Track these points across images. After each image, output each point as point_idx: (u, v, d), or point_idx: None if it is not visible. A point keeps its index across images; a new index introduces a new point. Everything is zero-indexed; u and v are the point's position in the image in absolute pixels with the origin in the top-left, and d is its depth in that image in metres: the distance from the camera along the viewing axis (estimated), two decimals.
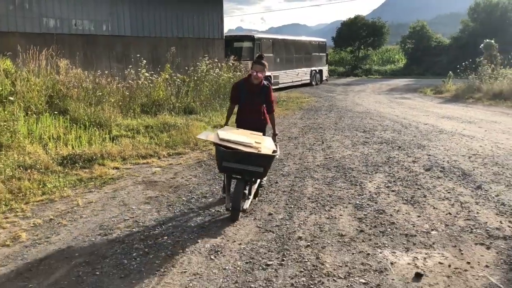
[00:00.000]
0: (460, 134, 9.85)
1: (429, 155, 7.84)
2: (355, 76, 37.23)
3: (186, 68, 15.36)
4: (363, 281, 3.53)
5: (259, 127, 5.67)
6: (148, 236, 4.45)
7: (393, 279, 3.56)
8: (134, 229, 4.65)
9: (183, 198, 5.66)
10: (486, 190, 5.80)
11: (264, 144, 4.98)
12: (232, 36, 22.00)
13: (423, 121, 11.82)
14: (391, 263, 3.83)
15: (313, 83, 27.51)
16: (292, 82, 24.96)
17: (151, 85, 13.14)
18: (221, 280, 3.56)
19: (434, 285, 3.46)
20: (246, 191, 4.95)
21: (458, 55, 30.82)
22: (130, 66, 13.75)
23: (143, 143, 8.72)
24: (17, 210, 5.21)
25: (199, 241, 4.31)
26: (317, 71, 28.22)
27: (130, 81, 12.79)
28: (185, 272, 3.69)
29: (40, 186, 5.98)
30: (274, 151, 5.03)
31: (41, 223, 4.83)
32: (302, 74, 26.25)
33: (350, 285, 3.47)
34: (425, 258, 3.92)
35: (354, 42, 42.10)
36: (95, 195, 5.84)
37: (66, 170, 6.82)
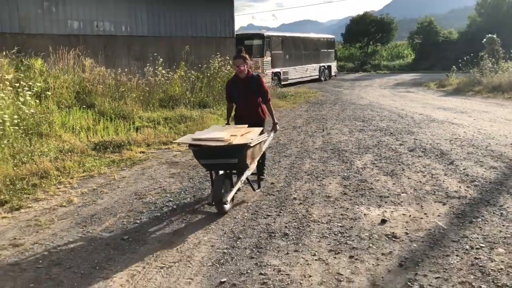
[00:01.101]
0: (449, 122, 10.91)
1: (416, 139, 8.93)
2: (364, 72, 38.22)
3: (200, 65, 16.54)
4: (340, 225, 4.68)
5: (257, 121, 5.82)
6: (174, 198, 5.65)
7: (363, 224, 4.70)
8: (162, 195, 5.84)
9: (201, 173, 6.84)
10: (456, 165, 6.89)
11: (244, 136, 5.13)
12: (243, 35, 23.14)
13: (419, 112, 12.89)
14: (364, 214, 4.97)
15: (322, 78, 28.58)
16: (301, 78, 26.07)
17: (167, 81, 14.36)
18: (232, 224, 4.74)
19: (394, 227, 4.59)
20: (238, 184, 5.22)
21: (465, 50, 31.53)
22: (148, 64, 14.97)
23: (164, 132, 9.92)
24: (65, 183, 6.43)
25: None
26: (326, 67, 29.28)
27: (149, 77, 14.01)
28: (205, 220, 4.87)
29: (80, 166, 7.21)
30: (259, 140, 5.30)
31: (87, 192, 6.05)
32: (311, 70, 27.34)
33: (330, 227, 4.61)
34: (392, 212, 5.05)
35: (363, 38, 43.08)
36: (127, 172, 7.05)
37: (99, 154, 8.05)
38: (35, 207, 5.43)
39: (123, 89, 12.35)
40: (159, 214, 5.11)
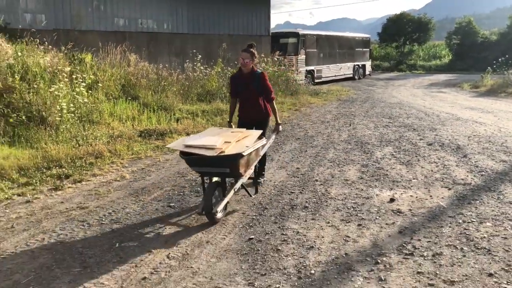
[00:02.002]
0: (473, 121, 11.44)
1: (437, 135, 9.56)
2: (399, 71, 38.38)
3: (236, 62, 17.46)
4: (354, 202, 5.47)
5: (260, 119, 5.85)
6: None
7: (374, 202, 5.47)
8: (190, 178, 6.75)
9: None
10: (469, 158, 7.54)
11: (239, 143, 4.96)
12: (278, 33, 23.96)
13: (445, 111, 13.41)
14: (376, 195, 5.73)
15: (356, 77, 29.10)
16: (335, 76, 26.69)
17: (205, 77, 15.34)
18: (260, 198, 5.60)
19: (400, 205, 5.34)
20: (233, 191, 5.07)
21: (504, 51, 31.44)
22: (187, 60, 16.00)
23: (202, 123, 10.87)
24: (117, 163, 7.43)
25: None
26: (360, 65, 29.78)
27: (189, 73, 15.02)
28: (237, 194, 5.74)
29: (129, 149, 8.20)
30: (261, 148, 5.26)
31: (136, 170, 7.03)
32: (345, 68, 27.92)
33: (344, 203, 5.41)
34: (401, 194, 5.79)
35: (400, 37, 43.14)
36: (170, 156, 8.01)
37: (145, 140, 9.04)
38: (94, 181, 6.44)
39: (165, 83, 13.37)
40: (198, 188, 6.01)
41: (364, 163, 7.33)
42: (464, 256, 3.98)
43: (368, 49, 31.15)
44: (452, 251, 4.08)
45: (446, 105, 15.11)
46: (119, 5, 15.68)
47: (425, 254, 4.02)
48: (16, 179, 6.25)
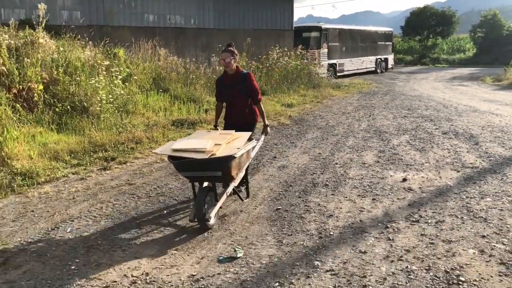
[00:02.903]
0: (490, 112, 11.96)
1: (452, 125, 10.15)
2: (422, 65, 38.59)
3: (260, 56, 18.19)
4: (370, 181, 6.17)
5: (246, 123, 5.56)
6: None
7: (388, 181, 6.16)
8: None
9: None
10: (480, 146, 8.14)
11: (230, 145, 4.81)
12: (300, 27, 24.58)
13: (464, 103, 13.92)
14: (390, 176, 6.42)
15: (378, 70, 29.55)
16: (357, 69, 27.21)
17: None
18: (286, 177, 6.35)
19: (411, 184, 6.02)
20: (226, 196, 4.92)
21: None
22: (213, 54, 16.79)
23: None
24: (155, 148, 8.24)
25: (273, 162, 7.12)
26: (383, 59, 30.20)
27: (216, 66, 15.81)
28: (265, 173, 6.48)
29: (165, 136, 9.02)
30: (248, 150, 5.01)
31: None
32: (367, 62, 28.40)
33: (361, 182, 6.11)
34: (413, 175, 6.46)
35: (423, 31, 43.24)
36: None
37: (178, 129, 9.86)
38: (136, 162, 7.28)
39: (193, 77, 14.19)
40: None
41: (381, 149, 8.01)
42: (463, 223, 4.66)
43: (390, 43, 31.52)
44: (453, 219, 4.76)
45: (465, 97, 15.59)
46: (148, 1, 16.56)
47: (429, 221, 4.72)
48: (68, 161, 7.12)
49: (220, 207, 4.89)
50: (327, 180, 6.21)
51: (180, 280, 3.63)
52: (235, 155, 4.52)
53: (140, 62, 13.60)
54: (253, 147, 5.43)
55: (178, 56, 15.54)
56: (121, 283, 3.60)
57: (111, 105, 10.04)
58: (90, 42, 12.42)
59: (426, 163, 7.07)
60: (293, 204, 5.32)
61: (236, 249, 4.14)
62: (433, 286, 3.46)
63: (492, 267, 3.75)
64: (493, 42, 38.00)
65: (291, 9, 21.78)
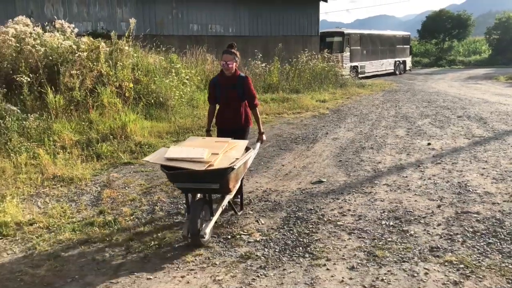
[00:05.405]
0: (499, 103, 14.29)
1: (465, 112, 12.52)
2: (438, 67, 40.85)
3: (290, 60, 20.67)
4: (403, 145, 8.58)
5: (239, 127, 5.36)
6: (301, 135, 9.73)
7: (416, 145, 8.56)
8: (292, 134, 9.95)
9: (310, 127, 10.90)
10: (487, 124, 10.50)
11: (227, 154, 4.54)
12: (325, 32, 27.07)
13: (477, 97, 16.26)
14: (418, 142, 8.82)
15: (397, 72, 31.91)
16: (377, 71, 29.62)
17: (266, 73, 18.61)
18: (339, 144, 8.80)
19: (434, 146, 8.41)
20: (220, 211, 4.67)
21: None
22: (249, 59, 19.30)
23: (274, 107, 14.09)
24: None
25: (326, 136, 9.55)
26: (401, 61, 32.57)
27: (253, 69, 18.34)
28: (323, 142, 8.90)
29: None
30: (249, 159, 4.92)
31: None
32: (387, 64, 30.80)
33: (397, 145, 8.52)
34: (435, 142, 8.84)
35: (439, 34, 45.49)
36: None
37: None
38: None
39: None
40: (295, 141, 9.21)
41: (409, 127, 10.41)
42: (470, 163, 7.08)
43: (408, 46, 33.88)
44: (464, 162, 7.17)
45: (478, 93, 17.92)
46: (193, 12, 19.18)
47: (447, 162, 7.13)
48: (169, 138, 9.60)
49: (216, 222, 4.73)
50: (371, 145, 8.63)
51: (293, 190, 6.07)
52: (234, 167, 4.33)
53: (192, 66, 16.15)
54: (250, 157, 5.10)
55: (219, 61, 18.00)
56: None
57: (182, 100, 12.55)
58: (152, 49, 14.99)
59: (444, 135, 9.45)
60: (350, 158, 7.74)
61: (321, 179, 6.57)
62: (450, 189, 5.86)
63: (487, 180, 6.15)
64: (508, 43, 40.12)
65: (317, 16, 24.31)
